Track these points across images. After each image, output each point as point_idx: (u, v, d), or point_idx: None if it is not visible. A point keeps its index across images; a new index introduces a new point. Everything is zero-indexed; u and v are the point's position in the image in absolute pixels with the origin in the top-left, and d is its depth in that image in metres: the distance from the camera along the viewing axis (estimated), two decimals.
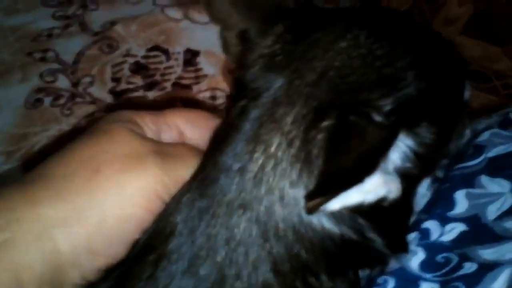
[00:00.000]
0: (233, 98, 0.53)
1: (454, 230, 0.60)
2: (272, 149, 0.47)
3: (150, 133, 0.55)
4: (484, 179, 0.62)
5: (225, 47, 0.59)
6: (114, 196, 0.48)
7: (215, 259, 0.48)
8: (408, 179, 0.49)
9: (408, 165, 0.48)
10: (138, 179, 0.49)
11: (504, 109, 0.71)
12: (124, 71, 1.23)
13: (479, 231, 0.59)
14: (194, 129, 0.57)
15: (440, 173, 0.66)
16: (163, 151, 0.52)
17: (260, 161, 0.48)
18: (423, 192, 0.58)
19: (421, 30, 0.57)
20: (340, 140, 0.44)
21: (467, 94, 0.59)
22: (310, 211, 0.44)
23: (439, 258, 0.59)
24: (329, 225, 0.49)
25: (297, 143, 0.47)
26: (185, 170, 0.52)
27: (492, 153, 0.64)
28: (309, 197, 0.44)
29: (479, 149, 0.65)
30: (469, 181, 0.63)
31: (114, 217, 0.48)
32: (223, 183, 0.49)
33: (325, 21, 0.53)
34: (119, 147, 0.50)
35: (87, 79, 1.23)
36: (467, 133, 0.64)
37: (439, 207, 0.62)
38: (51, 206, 0.47)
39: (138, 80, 1.22)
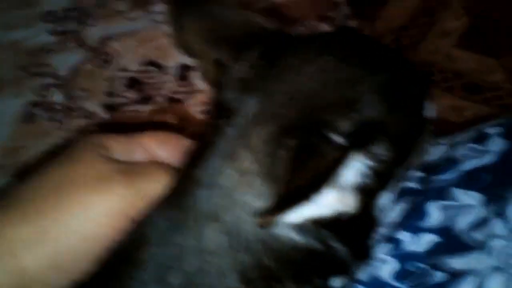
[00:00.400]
0: (212, 118, 0.57)
1: (426, 240, 0.62)
2: (243, 165, 0.50)
3: (120, 156, 0.57)
4: (457, 191, 0.64)
5: (204, 75, 0.62)
6: (79, 217, 0.51)
7: (185, 268, 0.50)
8: (367, 193, 0.52)
9: (365, 181, 0.51)
10: (102, 199, 0.52)
11: (481, 124, 0.73)
12: (118, 86, 1.24)
13: (450, 242, 0.61)
14: (166, 150, 0.60)
15: (415, 186, 0.68)
16: (129, 170, 0.54)
17: (230, 176, 0.50)
18: (385, 204, 0.60)
19: (385, 53, 0.60)
20: (302, 159, 0.47)
21: (427, 111, 0.61)
22: (262, 225, 0.48)
23: (411, 267, 0.60)
24: (295, 236, 0.52)
25: (264, 160, 0.50)
26: (153, 186, 0.55)
27: (465, 166, 0.66)
28: (263, 213, 0.47)
29: (453, 163, 0.67)
30: (442, 193, 0.64)
31: (79, 236, 0.51)
32: (195, 196, 0.51)
33: (294, 47, 0.57)
34: (85, 170, 0.53)
35: (81, 93, 1.25)
36: (429, 148, 0.67)
37: (413, 218, 0.64)
38: (17, 227, 0.49)
39: (132, 95, 1.23)
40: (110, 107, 1.22)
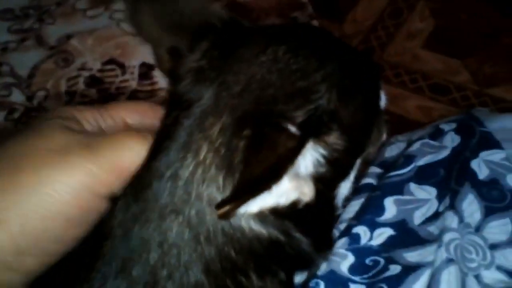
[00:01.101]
0: (168, 109, 0.56)
1: (382, 234, 0.63)
2: (201, 156, 0.49)
3: (89, 127, 0.53)
4: (412, 186, 0.65)
5: (158, 63, 0.61)
6: (36, 194, 0.46)
7: (148, 261, 0.49)
8: (324, 182, 0.52)
9: (321, 170, 0.51)
10: (64, 175, 0.47)
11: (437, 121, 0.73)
12: (79, 85, 1.23)
13: (405, 235, 0.62)
14: (141, 119, 0.57)
15: (373, 182, 0.68)
16: (95, 142, 0.50)
17: (190, 168, 0.49)
18: (345, 193, 0.60)
19: (337, 44, 0.60)
20: (256, 149, 0.47)
21: (382, 101, 0.62)
22: (221, 217, 0.46)
23: (367, 261, 0.61)
24: (256, 227, 0.51)
25: (222, 150, 0.49)
26: (124, 157, 0.51)
27: (421, 162, 0.67)
28: (219, 204, 0.46)
29: (409, 159, 0.68)
30: (398, 188, 0.66)
31: (38, 216, 0.46)
32: (156, 189, 0.50)
33: (248, 38, 0.57)
34: (45, 142, 0.49)
35: (42, 93, 1.23)
36: (384, 137, 0.66)
37: (369, 213, 0.65)
38: None
39: (93, 94, 1.22)
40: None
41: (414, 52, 1.66)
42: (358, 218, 0.65)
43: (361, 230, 0.63)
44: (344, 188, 0.58)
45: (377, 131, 0.62)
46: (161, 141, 0.52)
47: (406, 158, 0.69)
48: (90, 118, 0.53)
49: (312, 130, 0.49)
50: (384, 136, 0.66)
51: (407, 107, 1.52)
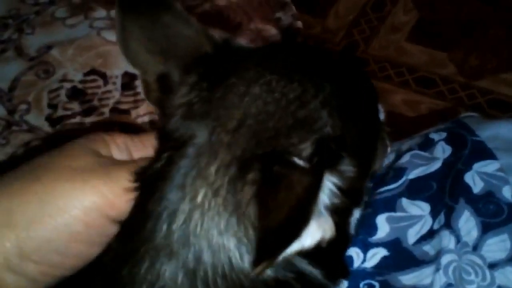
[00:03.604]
0: (159, 147, 0.54)
1: (376, 255, 0.61)
2: (199, 198, 0.48)
3: (117, 152, 0.54)
4: (404, 202, 0.63)
5: (146, 92, 0.58)
6: (46, 203, 0.48)
7: None
8: (340, 213, 0.50)
9: (336, 200, 0.48)
10: (78, 192, 0.49)
11: (427, 130, 0.73)
12: (61, 97, 1.20)
13: (400, 256, 0.60)
14: None
15: (365, 198, 0.66)
16: (116, 168, 0.51)
17: (187, 210, 0.48)
18: (357, 219, 0.60)
19: (327, 61, 0.59)
20: (269, 193, 0.44)
21: (381, 115, 0.61)
22: (258, 275, 0.45)
23: (362, 285, 0.59)
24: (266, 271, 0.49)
25: (222, 193, 0.47)
26: None
27: (412, 174, 0.66)
28: (254, 262, 0.44)
29: (400, 171, 0.66)
30: (390, 204, 0.64)
31: (44, 225, 0.48)
32: (151, 230, 0.49)
33: (237, 66, 0.54)
34: (68, 160, 0.51)
35: (23, 106, 1.21)
36: (389, 150, 0.67)
37: (361, 233, 0.62)
38: None
39: (76, 106, 1.19)
40: (53, 120, 1.18)
41: (398, 45, 1.65)
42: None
43: (354, 252, 0.61)
44: (357, 213, 0.58)
45: (382, 145, 0.62)
46: (154, 182, 0.50)
47: (396, 171, 0.67)
48: (121, 144, 0.54)
49: (324, 162, 0.47)
50: (389, 149, 0.66)
51: (393, 102, 1.52)
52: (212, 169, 0.48)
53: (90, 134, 0.55)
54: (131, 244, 0.50)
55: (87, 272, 0.51)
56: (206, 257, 0.48)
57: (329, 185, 0.48)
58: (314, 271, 0.52)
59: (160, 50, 0.57)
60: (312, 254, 0.49)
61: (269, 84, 0.51)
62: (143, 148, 0.55)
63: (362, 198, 0.57)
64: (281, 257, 0.43)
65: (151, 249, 0.48)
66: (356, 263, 0.61)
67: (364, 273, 0.60)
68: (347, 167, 0.49)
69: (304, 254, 0.48)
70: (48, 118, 1.18)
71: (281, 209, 0.43)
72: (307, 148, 0.48)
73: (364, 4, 1.77)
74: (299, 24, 1.40)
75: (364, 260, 0.61)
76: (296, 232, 0.42)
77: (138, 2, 0.56)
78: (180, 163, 0.49)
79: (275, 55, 0.57)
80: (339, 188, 0.48)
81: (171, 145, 0.51)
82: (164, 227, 0.48)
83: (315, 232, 0.46)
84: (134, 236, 0.50)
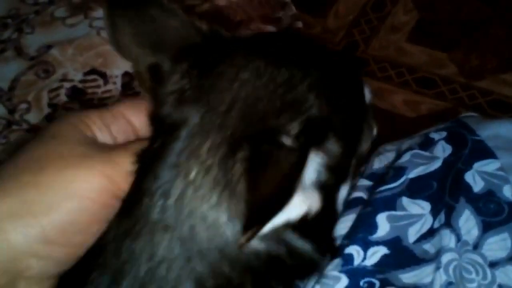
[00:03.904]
0: (153, 132, 0.56)
1: (376, 253, 0.61)
2: (192, 176, 0.50)
3: (98, 131, 0.57)
4: (405, 200, 0.63)
5: (140, 82, 0.61)
6: (61, 190, 0.50)
7: (138, 274, 0.51)
8: (326, 189, 0.53)
9: (323, 177, 0.52)
10: (86, 176, 0.51)
11: (428, 129, 0.72)
12: (61, 97, 1.21)
13: (400, 254, 0.60)
14: (139, 114, 0.59)
15: (363, 195, 0.66)
16: (114, 153, 0.54)
17: (181, 187, 0.51)
18: (344, 196, 0.62)
19: (314, 49, 0.61)
20: (258, 170, 0.47)
21: (367, 96, 0.63)
22: (243, 244, 0.46)
23: (362, 283, 0.59)
24: (254, 243, 0.52)
25: (214, 170, 0.50)
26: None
27: (412, 174, 0.65)
28: (242, 231, 0.46)
29: (400, 171, 0.66)
30: (390, 203, 0.63)
31: (64, 209, 0.50)
32: (147, 206, 0.52)
33: (227, 54, 0.57)
34: (66, 148, 0.53)
35: (23, 106, 1.21)
36: (375, 132, 0.69)
37: (361, 231, 0.62)
38: (0, 201, 0.49)
39: (75, 106, 1.19)
40: (53, 120, 1.18)
41: (398, 45, 1.65)
42: (350, 237, 0.62)
43: (354, 250, 0.61)
44: (344, 190, 0.60)
45: (367, 128, 0.64)
46: (149, 162, 0.53)
47: (396, 170, 0.67)
48: (98, 121, 0.56)
49: (311, 140, 0.50)
50: (375, 131, 0.68)
51: (393, 102, 1.51)
52: (204, 148, 0.50)
53: (66, 116, 0.58)
54: (129, 221, 0.52)
55: (92, 253, 0.53)
56: (201, 231, 0.50)
57: (315, 162, 0.51)
58: (304, 246, 0.55)
59: (149, 42, 0.59)
60: (301, 228, 0.52)
61: (258, 70, 0.53)
62: (116, 121, 0.58)
63: (347, 176, 0.60)
64: (268, 227, 0.45)
65: (147, 224, 0.51)
66: (357, 261, 0.60)
67: (364, 271, 0.60)
68: (333, 146, 0.53)
69: (293, 227, 0.51)
70: (48, 117, 1.18)
71: (269, 184, 0.45)
72: (294, 128, 0.50)
73: (364, 4, 1.76)
74: (299, 24, 1.39)
75: (364, 258, 0.60)
76: (281, 203, 0.45)
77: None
78: (174, 144, 0.52)
79: (263, 43, 0.59)
80: (325, 165, 0.52)
81: (164, 130, 0.54)
82: (160, 203, 0.51)
83: (301, 204, 0.50)
84: (131, 213, 0.52)
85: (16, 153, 0.54)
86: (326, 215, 0.57)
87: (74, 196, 0.51)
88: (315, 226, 0.54)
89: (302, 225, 0.52)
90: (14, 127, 1.18)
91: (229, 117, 0.51)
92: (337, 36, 1.69)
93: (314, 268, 0.59)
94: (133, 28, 0.58)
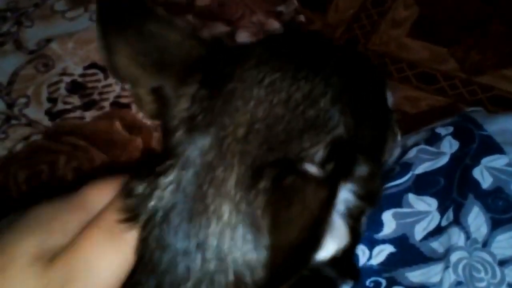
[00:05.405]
0: (162, 166, 0.48)
1: (382, 252, 0.60)
2: (225, 217, 0.44)
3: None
4: (411, 197, 0.62)
5: (139, 104, 0.54)
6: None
7: None
8: (355, 216, 0.47)
9: (352, 206, 0.46)
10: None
11: (432, 124, 0.71)
12: (61, 91, 1.20)
13: (407, 252, 0.59)
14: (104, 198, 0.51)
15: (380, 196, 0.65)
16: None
17: (217, 233, 0.44)
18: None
19: (333, 52, 0.54)
20: (282, 206, 0.41)
21: (390, 99, 0.58)
22: None
23: (368, 282, 0.58)
24: None
25: (243, 207, 0.44)
26: None
27: (419, 170, 0.64)
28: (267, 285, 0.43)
29: (406, 167, 0.65)
30: (396, 200, 0.62)
31: None
32: (184, 265, 0.45)
33: (237, 68, 0.50)
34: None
35: (22, 100, 1.20)
36: (399, 138, 0.64)
37: (367, 229, 0.60)
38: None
39: (75, 100, 1.18)
40: (53, 114, 1.17)
41: (399, 40, 1.64)
42: None
43: (359, 250, 0.60)
44: (368, 211, 0.53)
45: (391, 135, 0.58)
46: (164, 212, 0.46)
47: (402, 167, 0.65)
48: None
49: (339, 170, 0.44)
50: (399, 137, 0.63)
51: (394, 98, 1.50)
52: (231, 182, 0.44)
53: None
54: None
55: None
56: (248, 277, 0.44)
57: (346, 193, 0.45)
58: (326, 269, 0.50)
59: (151, 62, 0.52)
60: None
61: (274, 84, 0.47)
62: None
63: (377, 198, 0.52)
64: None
65: (190, 279, 0.45)
66: (362, 261, 0.59)
67: (370, 270, 0.59)
68: (362, 168, 0.46)
69: None
70: (48, 112, 1.18)
71: (294, 226, 0.40)
72: (319, 152, 0.45)
73: None
74: (301, 17, 1.38)
75: (370, 257, 0.59)
76: (309, 254, 0.41)
77: (120, 15, 0.52)
78: (191, 182, 0.45)
79: (275, 50, 0.52)
80: (354, 193, 0.46)
81: (175, 164, 0.47)
82: (198, 259, 0.45)
83: (330, 245, 0.44)
84: (165, 278, 0.46)
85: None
86: (351, 242, 0.49)
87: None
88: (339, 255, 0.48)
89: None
90: (13, 121, 1.17)
91: (249, 142, 0.45)
92: (337, 31, 1.68)
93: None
94: (131, 48, 0.51)
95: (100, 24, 0.51)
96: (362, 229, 0.53)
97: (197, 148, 0.46)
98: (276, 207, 0.42)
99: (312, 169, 0.43)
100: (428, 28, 1.66)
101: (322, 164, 0.44)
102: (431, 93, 1.51)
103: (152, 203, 0.46)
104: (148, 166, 0.48)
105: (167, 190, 0.46)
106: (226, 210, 0.44)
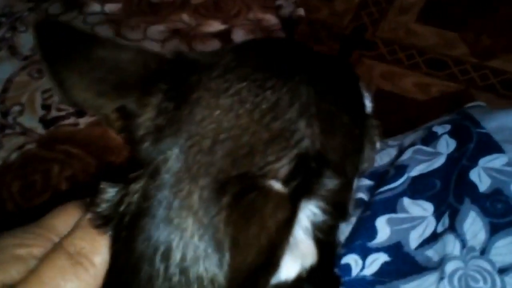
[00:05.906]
0: (131, 178, 0.46)
1: (376, 261, 0.57)
2: (189, 232, 0.42)
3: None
4: (406, 202, 0.59)
5: (106, 123, 0.52)
6: None
7: None
8: (324, 230, 0.45)
9: (319, 220, 0.44)
10: None
11: (431, 122, 0.68)
12: (54, 97, 1.17)
13: (401, 261, 0.56)
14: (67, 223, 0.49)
15: (364, 196, 0.63)
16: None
17: (180, 248, 0.42)
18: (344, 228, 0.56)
19: (301, 57, 0.52)
20: (241, 226, 0.40)
21: (367, 105, 0.54)
22: None
23: None
24: None
25: (206, 221, 0.42)
26: None
27: (414, 171, 0.61)
28: None
29: (401, 169, 0.62)
30: (390, 205, 0.59)
31: None
32: (147, 273, 0.43)
33: (202, 77, 0.48)
34: None
35: (16, 108, 1.18)
36: (378, 146, 0.59)
37: (360, 237, 0.58)
38: None
39: (69, 107, 1.16)
40: (47, 122, 1.15)
41: (408, 27, 1.62)
42: (348, 245, 0.58)
43: (352, 260, 0.57)
44: (343, 225, 0.52)
45: (369, 143, 0.55)
46: (133, 221, 0.45)
47: (397, 169, 0.62)
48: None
49: (302, 187, 0.42)
50: (378, 145, 0.59)
51: (404, 85, 1.48)
52: (195, 196, 0.43)
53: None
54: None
55: None
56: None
57: (310, 209, 0.43)
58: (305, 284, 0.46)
59: (109, 87, 0.50)
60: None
61: (239, 94, 0.45)
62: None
63: (347, 212, 0.50)
64: None
65: None
66: (355, 271, 0.56)
67: (363, 282, 0.56)
68: (329, 183, 0.44)
69: None
70: (42, 120, 1.15)
71: (251, 248, 0.39)
72: (284, 167, 0.42)
73: None
74: (301, 11, 1.35)
75: (363, 267, 0.56)
76: (266, 277, 0.39)
77: (64, 47, 0.50)
78: (159, 194, 0.44)
79: (244, 59, 0.50)
80: (321, 208, 0.44)
81: (144, 174, 0.45)
82: (162, 268, 0.43)
83: (291, 265, 0.42)
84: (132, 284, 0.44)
85: None
86: (324, 256, 0.47)
87: None
88: (314, 269, 0.46)
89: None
90: (7, 131, 1.15)
91: (215, 154, 0.43)
92: (344, 19, 1.66)
93: None
94: (85, 78, 0.49)
95: (45, 62, 0.49)
96: (337, 240, 0.51)
97: (163, 159, 0.44)
98: (236, 225, 0.40)
99: (276, 185, 0.41)
100: (436, 13, 1.64)
101: (285, 180, 0.41)
102: (442, 79, 1.49)
103: (121, 208, 0.44)
104: (122, 173, 0.46)
105: (135, 196, 0.44)
106: (189, 223, 0.42)
